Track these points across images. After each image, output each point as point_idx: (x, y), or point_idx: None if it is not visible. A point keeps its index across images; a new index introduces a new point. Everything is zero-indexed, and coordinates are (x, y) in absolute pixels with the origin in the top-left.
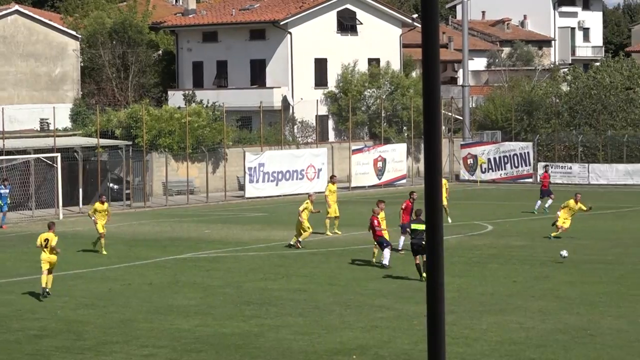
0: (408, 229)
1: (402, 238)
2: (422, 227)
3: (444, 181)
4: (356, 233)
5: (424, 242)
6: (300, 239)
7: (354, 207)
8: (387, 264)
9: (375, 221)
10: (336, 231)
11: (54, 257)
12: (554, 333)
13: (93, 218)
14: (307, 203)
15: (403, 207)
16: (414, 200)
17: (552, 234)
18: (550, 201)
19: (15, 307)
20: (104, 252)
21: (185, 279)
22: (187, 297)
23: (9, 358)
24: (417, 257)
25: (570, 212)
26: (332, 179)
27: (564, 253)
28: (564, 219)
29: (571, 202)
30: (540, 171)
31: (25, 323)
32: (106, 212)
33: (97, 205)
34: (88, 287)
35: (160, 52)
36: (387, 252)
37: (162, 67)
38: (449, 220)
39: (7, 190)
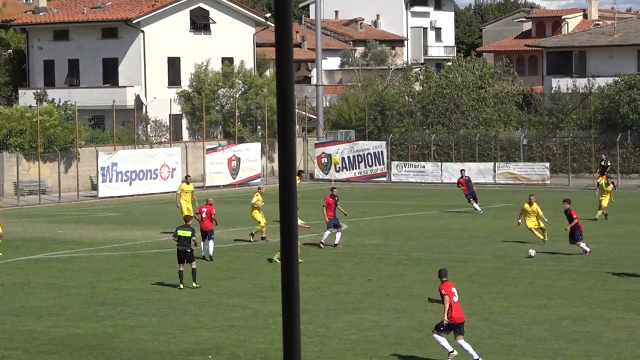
0: (331, 227)
1: (327, 232)
2: (188, 233)
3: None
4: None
5: (189, 250)
6: (263, 234)
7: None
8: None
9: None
10: None
11: None
12: (409, 331)
13: None
14: (257, 195)
15: (325, 204)
16: (334, 196)
17: (540, 237)
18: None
19: None
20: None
21: (38, 279)
22: (40, 298)
23: None
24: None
25: (533, 214)
26: (186, 179)
27: (532, 252)
28: (531, 222)
29: (526, 205)
30: (397, 170)
31: None
32: None
33: None
34: None
35: (10, 50)
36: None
37: (12, 65)
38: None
39: None
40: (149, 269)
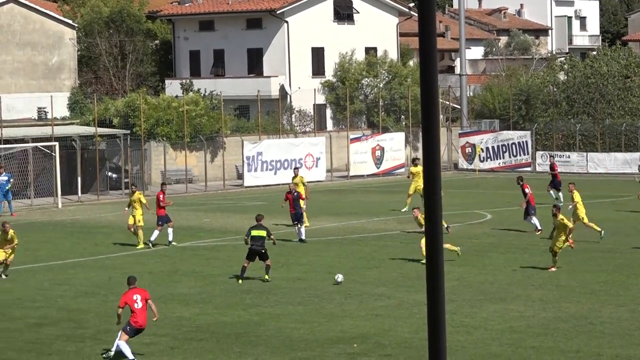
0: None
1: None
2: (263, 233)
3: None
4: (355, 222)
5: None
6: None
7: (354, 195)
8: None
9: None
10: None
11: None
12: (555, 321)
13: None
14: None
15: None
16: (292, 192)
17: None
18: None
19: (15, 295)
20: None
21: (185, 267)
22: (187, 286)
23: (10, 346)
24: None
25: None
26: (295, 171)
27: (339, 278)
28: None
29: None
30: (542, 160)
31: (26, 311)
32: (139, 202)
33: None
34: (88, 275)
35: (157, 41)
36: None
37: (159, 56)
38: None
39: (7, 178)
40: (294, 258)
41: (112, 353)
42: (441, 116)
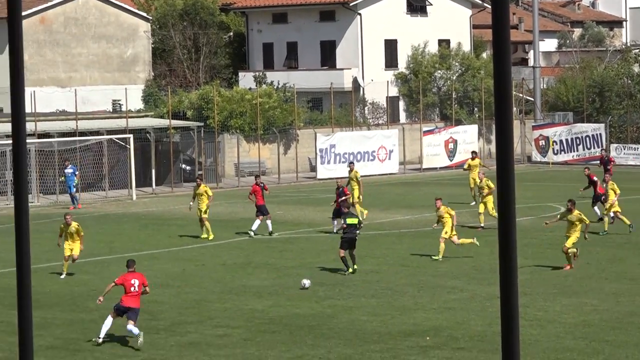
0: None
1: (257, 221)
2: (356, 220)
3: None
4: (428, 215)
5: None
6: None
7: (427, 188)
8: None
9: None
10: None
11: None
12: (629, 315)
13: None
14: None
15: (251, 191)
16: (258, 184)
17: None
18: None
19: (90, 287)
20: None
21: (258, 259)
22: (260, 278)
23: (85, 337)
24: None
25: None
26: (350, 166)
27: (306, 284)
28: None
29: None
30: (616, 153)
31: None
32: (205, 195)
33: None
34: (162, 267)
35: (230, 33)
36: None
37: (232, 48)
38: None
39: (72, 171)
40: (366, 251)
41: (100, 340)
42: (514, 109)
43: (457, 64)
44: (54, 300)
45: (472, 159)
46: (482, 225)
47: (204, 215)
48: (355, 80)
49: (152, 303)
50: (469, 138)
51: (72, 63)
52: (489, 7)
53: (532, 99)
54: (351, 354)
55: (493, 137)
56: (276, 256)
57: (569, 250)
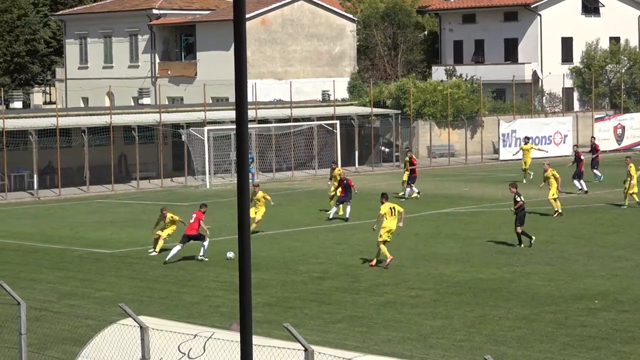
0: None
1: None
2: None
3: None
4: (598, 192)
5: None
6: None
7: (601, 169)
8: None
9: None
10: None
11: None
12: None
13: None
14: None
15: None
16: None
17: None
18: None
19: (301, 252)
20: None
21: (447, 230)
22: (448, 247)
23: (296, 296)
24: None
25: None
26: (332, 165)
27: (230, 255)
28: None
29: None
30: None
31: (309, 266)
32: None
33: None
34: (364, 236)
35: (425, 32)
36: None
37: (426, 45)
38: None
39: (251, 157)
40: (542, 224)
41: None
42: None
43: (625, 58)
44: (270, 263)
45: (525, 143)
46: (559, 210)
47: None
48: (534, 74)
49: (354, 267)
50: (636, 124)
51: (287, 59)
52: None
53: None
54: (527, 314)
55: None
56: (462, 227)
57: None
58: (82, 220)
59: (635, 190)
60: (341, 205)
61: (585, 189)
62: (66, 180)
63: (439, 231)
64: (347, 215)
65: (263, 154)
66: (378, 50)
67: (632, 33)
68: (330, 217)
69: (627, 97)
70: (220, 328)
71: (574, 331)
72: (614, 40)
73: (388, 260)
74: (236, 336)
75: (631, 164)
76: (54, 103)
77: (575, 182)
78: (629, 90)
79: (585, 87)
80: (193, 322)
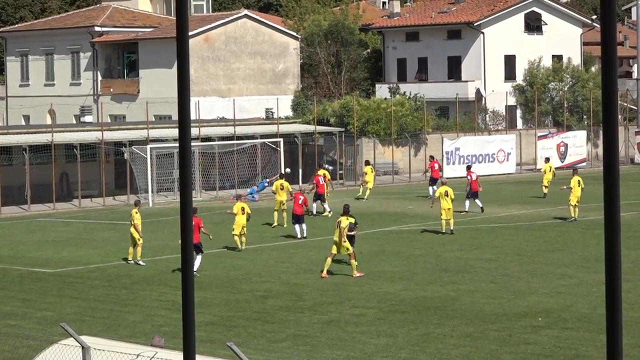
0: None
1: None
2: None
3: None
4: (541, 209)
5: None
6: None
7: (540, 187)
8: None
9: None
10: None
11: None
12: None
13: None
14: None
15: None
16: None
17: None
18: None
19: (244, 270)
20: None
21: (390, 248)
22: (392, 265)
23: (240, 315)
24: None
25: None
26: (280, 177)
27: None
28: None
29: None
30: None
31: (253, 285)
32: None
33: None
34: (307, 254)
35: (368, 50)
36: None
37: (370, 63)
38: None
39: (265, 184)
40: (486, 241)
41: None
42: (620, 116)
43: (568, 76)
44: (213, 282)
45: (546, 162)
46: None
47: (283, 207)
48: (478, 91)
49: (298, 286)
50: (578, 142)
51: (231, 76)
52: (598, 26)
53: (636, 108)
54: (472, 332)
55: (600, 142)
56: (406, 245)
57: None
58: (23, 239)
59: (573, 202)
60: (319, 201)
61: (481, 205)
62: (7, 198)
63: (383, 249)
64: (329, 210)
65: (206, 172)
66: (321, 68)
67: (574, 51)
68: (314, 212)
69: (569, 115)
70: (165, 348)
71: (518, 349)
72: (557, 58)
73: (323, 274)
74: (179, 356)
75: (575, 176)
76: None
77: (468, 202)
78: (571, 108)
79: (528, 105)
80: (136, 342)
